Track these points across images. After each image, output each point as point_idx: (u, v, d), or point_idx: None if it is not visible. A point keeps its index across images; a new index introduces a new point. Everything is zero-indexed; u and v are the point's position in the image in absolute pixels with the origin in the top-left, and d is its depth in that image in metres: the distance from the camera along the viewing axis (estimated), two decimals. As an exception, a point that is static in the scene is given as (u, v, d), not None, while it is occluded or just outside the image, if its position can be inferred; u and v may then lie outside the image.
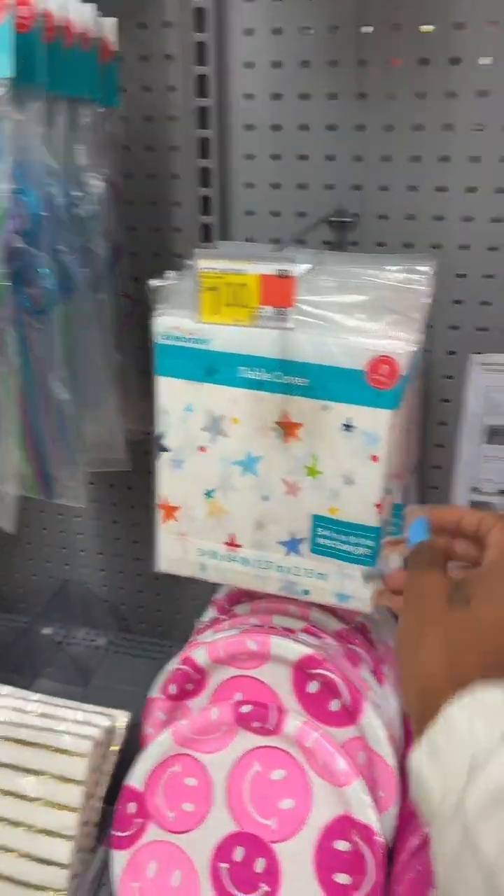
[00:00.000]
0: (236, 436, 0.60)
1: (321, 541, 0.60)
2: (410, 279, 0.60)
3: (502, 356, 0.73)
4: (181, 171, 0.74)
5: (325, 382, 0.55)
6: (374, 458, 0.56)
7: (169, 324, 0.57)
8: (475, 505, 0.80)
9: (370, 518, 0.58)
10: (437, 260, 0.62)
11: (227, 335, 0.56)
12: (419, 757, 0.36)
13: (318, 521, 0.60)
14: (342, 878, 0.62)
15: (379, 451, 0.55)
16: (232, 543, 0.63)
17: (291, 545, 0.61)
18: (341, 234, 0.72)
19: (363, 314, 0.55)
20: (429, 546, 0.47)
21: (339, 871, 0.62)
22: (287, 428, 0.58)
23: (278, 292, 0.47)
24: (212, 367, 0.58)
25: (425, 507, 0.50)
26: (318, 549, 0.61)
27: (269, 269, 0.46)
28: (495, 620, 0.39)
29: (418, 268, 0.60)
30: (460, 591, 0.41)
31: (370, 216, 0.72)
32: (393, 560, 0.56)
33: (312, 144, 0.70)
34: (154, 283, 0.57)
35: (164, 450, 0.62)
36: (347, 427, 0.56)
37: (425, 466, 0.81)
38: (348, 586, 0.61)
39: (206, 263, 0.47)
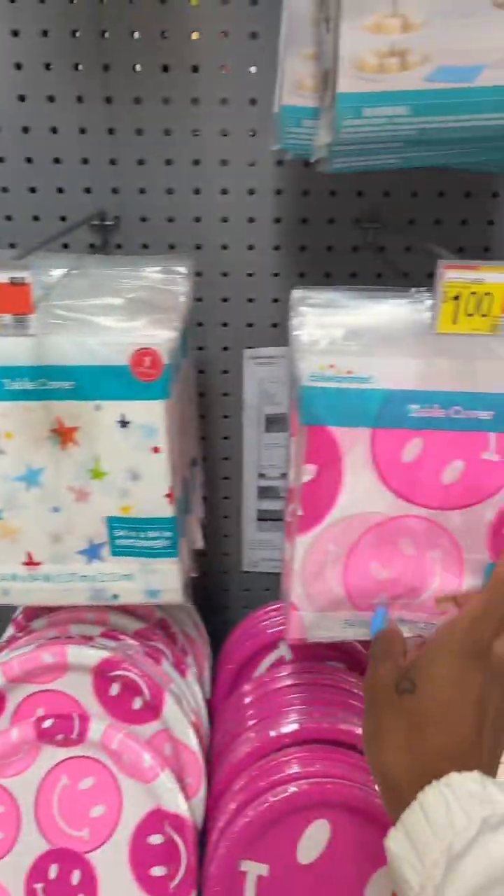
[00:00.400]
0: (13, 451, 0.58)
1: (120, 542, 0.60)
2: (168, 279, 0.61)
3: (271, 349, 0.78)
4: None
5: (91, 382, 0.55)
6: (156, 450, 0.57)
7: None
8: (262, 490, 0.85)
9: (164, 510, 0.59)
10: (201, 260, 0.65)
11: None
12: (395, 842, 0.36)
13: (113, 522, 0.60)
14: (158, 871, 0.63)
15: (159, 441, 0.57)
16: (30, 562, 0.61)
17: (91, 552, 0.61)
18: (105, 238, 0.73)
19: (121, 314, 0.56)
20: (384, 635, 0.48)
21: (154, 864, 0.63)
22: (63, 434, 0.57)
23: (14, 300, 0.47)
24: None
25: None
26: (118, 551, 0.61)
27: (1, 276, 0.45)
28: (438, 704, 0.40)
29: (176, 268, 0.62)
30: (407, 678, 0.41)
31: (131, 219, 0.73)
32: None
33: (65, 147, 0.70)
34: None
35: None
36: (123, 424, 0.56)
37: (214, 459, 0.84)
38: (155, 581, 0.61)
39: None
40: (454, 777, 0.37)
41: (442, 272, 0.45)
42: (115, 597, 0.62)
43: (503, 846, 0.33)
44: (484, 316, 0.45)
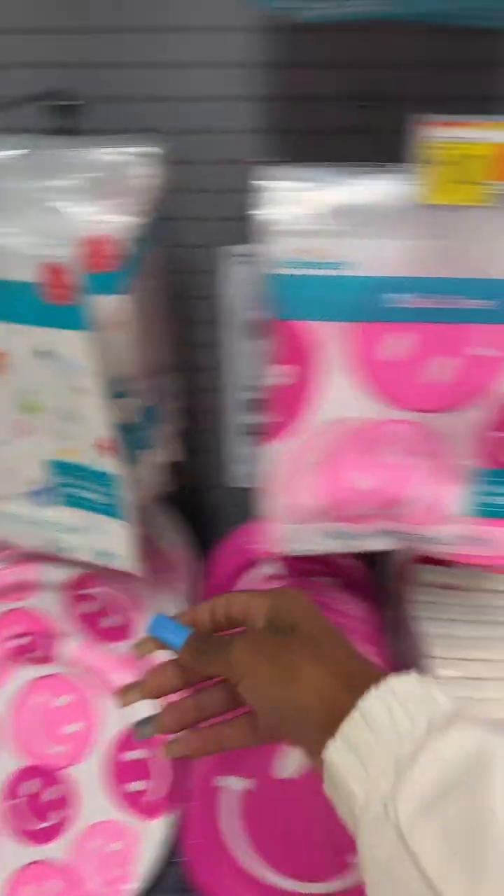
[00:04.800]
0: None
1: (66, 489, 0.52)
2: (132, 161, 0.55)
3: (253, 247, 0.71)
4: None
5: (2, 300, 0.45)
6: (83, 391, 0.47)
7: None
8: (250, 403, 0.80)
9: (94, 460, 0.50)
10: (173, 146, 0.58)
11: None
12: (336, 753, 0.33)
13: (55, 466, 0.51)
14: (136, 786, 0.62)
15: (84, 381, 0.46)
16: None
17: (39, 495, 0.53)
18: (63, 121, 0.65)
19: (72, 198, 0.49)
20: (202, 638, 0.41)
21: (132, 779, 0.62)
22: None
23: None
24: None
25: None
26: (64, 499, 0.52)
27: None
28: (321, 630, 0.39)
29: (142, 150, 0.56)
30: (277, 625, 0.39)
31: (95, 98, 0.65)
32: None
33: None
34: None
35: None
36: (44, 354, 0.46)
37: (193, 368, 0.79)
38: (103, 542, 0.53)
39: None
40: (392, 681, 0.34)
41: (422, 131, 0.39)
42: (63, 549, 0.55)
43: (454, 749, 0.30)
44: (474, 184, 0.39)
